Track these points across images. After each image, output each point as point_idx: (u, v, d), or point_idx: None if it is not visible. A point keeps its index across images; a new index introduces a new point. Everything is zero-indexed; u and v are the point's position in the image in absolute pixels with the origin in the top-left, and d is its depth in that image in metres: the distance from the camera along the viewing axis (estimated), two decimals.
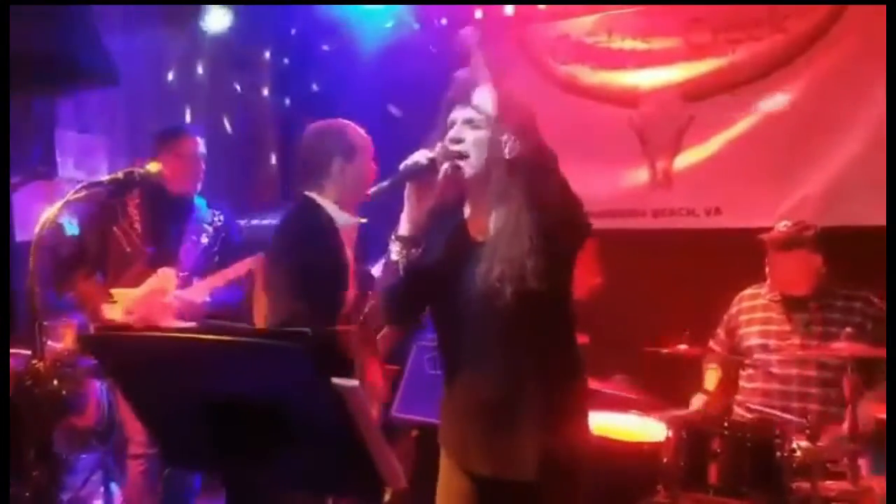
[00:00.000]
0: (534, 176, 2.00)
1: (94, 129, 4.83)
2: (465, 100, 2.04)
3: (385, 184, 2.04)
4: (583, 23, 4.70)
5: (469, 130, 2.03)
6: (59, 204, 2.37)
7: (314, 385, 1.56)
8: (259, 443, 1.65)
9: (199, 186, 3.61)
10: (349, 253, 2.77)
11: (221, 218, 3.66)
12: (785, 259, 3.33)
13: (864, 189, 3.91)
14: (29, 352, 2.23)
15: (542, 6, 4.76)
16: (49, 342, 2.26)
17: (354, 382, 1.59)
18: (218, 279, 3.22)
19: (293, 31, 5.11)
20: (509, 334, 2.04)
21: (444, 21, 4.82)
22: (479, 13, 4.80)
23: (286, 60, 5.24)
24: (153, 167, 2.49)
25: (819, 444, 2.85)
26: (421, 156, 2.03)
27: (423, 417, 4.16)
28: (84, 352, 2.32)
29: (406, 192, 2.05)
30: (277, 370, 1.58)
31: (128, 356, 1.74)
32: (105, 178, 2.50)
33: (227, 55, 5.14)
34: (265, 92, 5.40)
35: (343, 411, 1.58)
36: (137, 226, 3.39)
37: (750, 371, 3.42)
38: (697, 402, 3.48)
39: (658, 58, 4.48)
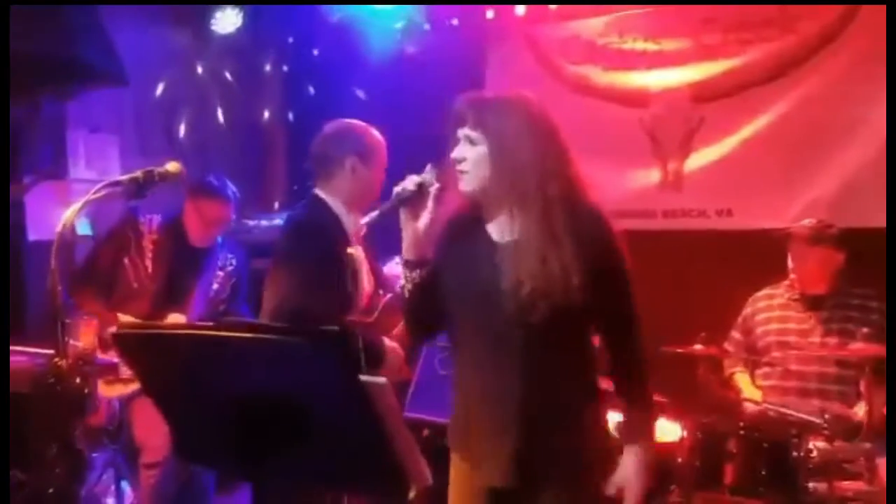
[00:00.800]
0: (551, 181, 2.05)
1: (105, 128, 4.84)
2: (464, 118, 2.10)
3: (375, 213, 2.12)
4: (594, 24, 4.70)
5: (469, 147, 2.08)
6: (78, 205, 2.37)
7: (342, 382, 1.57)
8: (286, 440, 1.66)
9: (219, 240, 3.58)
10: (360, 251, 2.77)
11: (234, 262, 3.61)
12: (810, 253, 3.36)
13: (875, 190, 3.90)
14: (51, 350, 2.24)
15: (552, 6, 4.76)
16: (71, 341, 2.26)
17: (382, 379, 1.59)
18: None
19: (308, 32, 5.11)
20: (530, 339, 2.03)
21: (455, 21, 4.83)
22: (490, 13, 4.80)
23: (300, 60, 5.24)
24: (172, 167, 2.47)
25: (835, 444, 2.85)
26: (409, 182, 2.11)
27: (434, 417, 4.17)
28: (107, 349, 2.32)
29: (401, 219, 2.13)
30: (305, 367, 1.58)
31: (155, 353, 1.75)
32: (124, 177, 2.48)
33: (237, 54, 5.15)
34: (275, 91, 5.40)
35: (370, 408, 1.58)
36: (149, 262, 3.32)
37: (766, 369, 3.42)
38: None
39: (669, 59, 4.49)
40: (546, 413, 2.06)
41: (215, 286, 3.51)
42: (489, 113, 2.09)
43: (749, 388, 3.47)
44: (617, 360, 2.17)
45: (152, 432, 2.83)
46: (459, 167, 2.09)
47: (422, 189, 2.10)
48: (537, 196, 2.04)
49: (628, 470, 2.10)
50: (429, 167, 2.13)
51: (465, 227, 2.16)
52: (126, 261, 3.33)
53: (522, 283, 1.98)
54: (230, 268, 3.57)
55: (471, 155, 2.08)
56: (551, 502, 2.07)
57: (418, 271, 2.14)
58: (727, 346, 3.60)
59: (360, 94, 5.04)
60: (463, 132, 2.09)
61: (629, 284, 2.15)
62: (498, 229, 2.12)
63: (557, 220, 2.02)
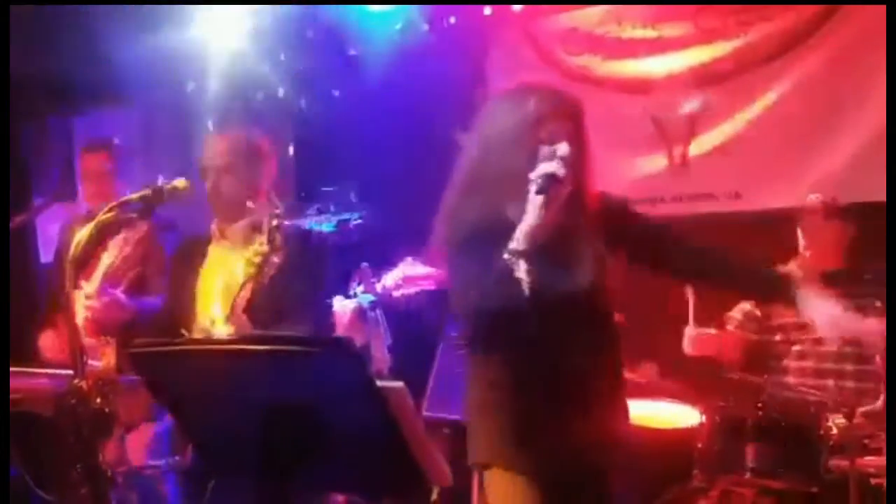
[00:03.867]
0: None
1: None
2: (557, 115, 2.11)
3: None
4: (591, 14, 4.69)
5: (565, 146, 2.06)
6: (91, 225, 2.40)
7: (359, 388, 1.59)
8: (306, 448, 1.68)
9: None
10: None
11: None
12: (824, 229, 3.35)
13: (879, 166, 3.89)
14: (70, 371, 2.27)
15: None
16: (90, 361, 2.30)
17: (399, 384, 1.61)
18: None
19: (307, 35, 5.13)
20: (558, 331, 2.06)
21: (452, 20, 4.84)
22: (487, 10, 4.81)
23: (301, 64, 5.26)
24: (180, 183, 2.50)
25: (855, 420, 2.85)
26: (555, 167, 2.01)
27: (453, 415, 4.18)
28: (125, 370, 2.35)
29: (536, 204, 1.99)
30: (322, 375, 1.60)
31: (172, 370, 1.77)
32: (134, 196, 2.51)
33: (237, 63, 5.17)
34: (279, 97, 5.41)
35: (388, 412, 1.60)
36: None
37: (781, 349, 3.42)
38: None
39: (669, 44, 4.48)
40: (593, 400, 2.11)
41: None
42: (576, 109, 2.16)
43: None
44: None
45: None
46: (563, 168, 2.03)
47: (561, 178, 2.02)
48: (590, 193, 2.14)
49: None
50: (559, 156, 2.06)
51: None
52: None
53: (557, 279, 2.00)
54: None
55: (570, 153, 2.05)
56: (599, 489, 2.13)
57: (535, 265, 1.99)
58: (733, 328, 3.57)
59: (361, 95, 5.05)
60: (559, 128, 2.09)
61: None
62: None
63: (596, 215, 2.12)
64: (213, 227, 2.80)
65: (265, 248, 2.30)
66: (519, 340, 2.09)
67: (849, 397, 2.93)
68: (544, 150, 2.05)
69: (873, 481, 2.82)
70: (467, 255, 2.11)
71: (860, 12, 4.00)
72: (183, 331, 2.54)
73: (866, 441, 2.86)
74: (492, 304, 2.04)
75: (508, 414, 2.14)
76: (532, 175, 2.00)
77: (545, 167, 2.00)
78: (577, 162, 2.07)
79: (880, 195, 3.78)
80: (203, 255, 2.78)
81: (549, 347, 2.08)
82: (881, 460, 2.81)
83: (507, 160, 2.09)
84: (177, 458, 2.68)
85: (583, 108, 2.19)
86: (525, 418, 2.12)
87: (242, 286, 2.34)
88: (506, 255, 1.97)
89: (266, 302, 2.43)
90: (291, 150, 5.41)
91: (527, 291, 1.97)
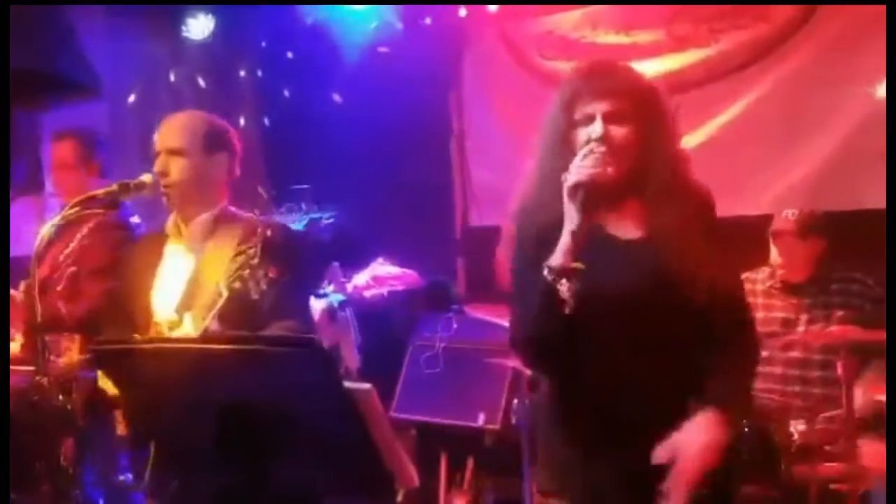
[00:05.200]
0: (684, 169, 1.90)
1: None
2: (600, 91, 1.85)
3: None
4: (567, 18, 4.71)
5: (614, 126, 1.84)
6: (56, 219, 2.37)
7: (328, 388, 1.58)
8: (272, 448, 1.67)
9: None
10: None
11: None
12: (799, 246, 3.37)
13: (849, 174, 3.95)
14: (31, 368, 2.24)
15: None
16: (52, 357, 2.26)
17: (366, 385, 1.61)
18: None
19: (282, 33, 5.10)
20: (664, 344, 1.85)
21: (427, 20, 4.84)
22: (463, 11, 4.81)
23: (275, 62, 5.23)
24: (147, 178, 2.47)
25: (817, 427, 2.89)
26: (584, 174, 1.77)
27: (421, 416, 4.19)
28: (89, 366, 2.32)
29: (572, 214, 1.78)
30: (289, 376, 1.59)
31: (137, 368, 1.75)
32: (100, 191, 2.48)
33: (210, 60, 5.13)
34: (251, 94, 5.38)
35: (356, 413, 1.60)
36: None
37: None
38: None
39: (642, 51, 4.50)
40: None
41: None
42: (637, 85, 1.89)
43: None
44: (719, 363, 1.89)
45: None
46: (604, 148, 1.82)
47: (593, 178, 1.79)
48: (674, 184, 1.87)
49: (694, 433, 1.78)
50: (582, 154, 1.83)
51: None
52: None
53: (665, 283, 1.80)
54: None
55: (619, 133, 1.83)
56: None
57: (576, 280, 1.77)
58: None
59: (336, 95, 5.04)
60: (601, 107, 1.84)
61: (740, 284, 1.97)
62: (621, 223, 1.91)
63: (689, 212, 1.87)
64: (170, 223, 2.50)
65: (255, 261, 2.04)
66: (571, 368, 1.88)
67: (813, 404, 2.96)
68: (581, 133, 1.85)
69: (833, 487, 2.86)
70: (526, 270, 1.87)
71: (832, 22, 4.05)
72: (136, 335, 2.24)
73: (828, 447, 2.90)
74: (532, 328, 1.85)
75: (568, 446, 1.95)
76: (563, 179, 1.79)
77: (575, 170, 1.78)
78: (635, 143, 1.84)
79: (847, 203, 3.85)
80: (159, 254, 2.48)
81: (613, 376, 1.86)
82: (842, 466, 2.85)
83: (549, 156, 1.91)
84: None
85: (644, 84, 1.93)
86: (583, 454, 1.91)
87: (227, 300, 2.07)
88: (545, 272, 1.77)
89: (250, 316, 2.19)
90: (262, 148, 5.38)
91: (567, 312, 1.77)
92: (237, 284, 2.05)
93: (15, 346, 2.78)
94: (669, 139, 1.92)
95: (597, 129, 1.83)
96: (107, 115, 4.84)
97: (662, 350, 1.85)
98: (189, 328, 2.14)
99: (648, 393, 1.85)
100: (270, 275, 2.04)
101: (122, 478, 2.31)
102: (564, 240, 1.78)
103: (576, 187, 1.77)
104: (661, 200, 1.87)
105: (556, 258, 1.78)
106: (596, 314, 1.81)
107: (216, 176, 2.46)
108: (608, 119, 1.84)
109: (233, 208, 2.51)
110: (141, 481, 2.18)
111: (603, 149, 1.81)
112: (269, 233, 2.09)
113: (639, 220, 1.90)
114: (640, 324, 1.84)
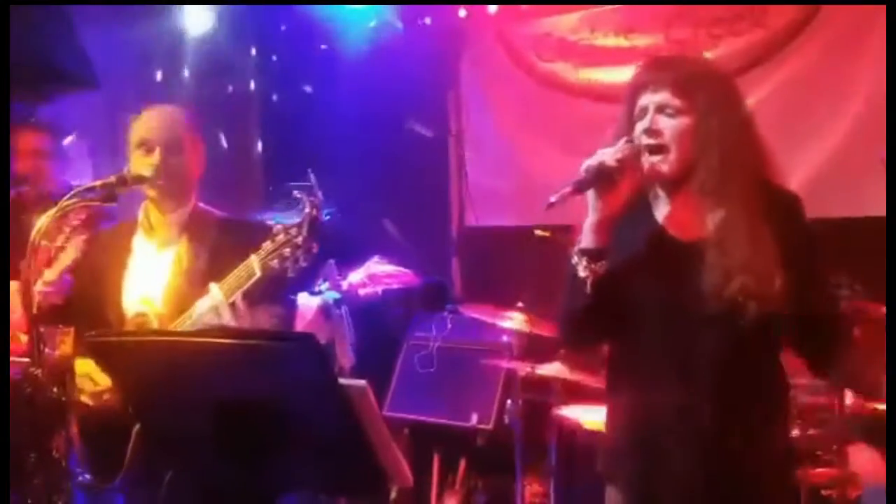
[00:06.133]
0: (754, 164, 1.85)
1: (76, 132, 4.80)
2: (657, 83, 1.82)
3: (567, 189, 1.79)
4: (566, 20, 4.72)
5: (666, 119, 1.81)
6: (52, 210, 2.36)
7: (322, 385, 1.58)
8: (266, 444, 1.67)
9: None
10: None
11: None
12: None
13: (842, 181, 3.97)
14: (26, 359, 2.23)
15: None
16: (46, 349, 2.26)
17: (362, 383, 1.61)
18: None
19: (280, 30, 5.10)
20: (728, 352, 1.81)
21: (427, 20, 4.84)
22: (462, 12, 4.82)
23: (273, 58, 5.23)
24: (146, 171, 2.46)
25: (808, 433, 2.90)
26: (607, 156, 1.79)
27: (414, 415, 4.19)
28: (83, 357, 2.32)
29: (590, 199, 1.81)
30: (285, 372, 1.60)
31: (133, 361, 1.75)
32: (97, 182, 2.47)
33: (209, 55, 5.12)
34: (250, 91, 5.38)
35: (350, 411, 1.60)
36: None
37: None
38: None
39: (640, 54, 4.51)
40: (740, 430, 1.82)
41: None
42: (699, 77, 1.83)
43: None
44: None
45: None
46: (653, 141, 1.80)
47: (621, 166, 1.79)
48: (744, 180, 1.80)
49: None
50: (623, 141, 1.83)
51: (633, 216, 1.88)
52: None
53: (728, 283, 1.75)
54: None
55: (671, 127, 1.80)
56: None
57: (602, 262, 1.81)
58: None
59: (333, 93, 5.04)
60: (655, 99, 1.81)
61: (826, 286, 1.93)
62: (679, 221, 1.87)
63: (759, 210, 1.79)
64: (141, 216, 2.52)
65: (299, 239, 2.06)
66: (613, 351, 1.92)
67: (803, 410, 2.97)
68: (637, 126, 1.83)
69: (824, 492, 2.87)
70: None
71: (831, 27, 4.07)
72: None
73: (818, 452, 2.91)
74: (560, 310, 1.89)
75: (626, 431, 1.94)
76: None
77: (595, 157, 1.78)
78: (692, 137, 1.79)
79: (839, 210, 3.86)
80: (128, 248, 2.50)
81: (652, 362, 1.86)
82: (832, 472, 2.86)
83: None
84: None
85: (713, 75, 1.87)
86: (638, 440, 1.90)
87: (259, 279, 2.10)
88: (573, 255, 1.81)
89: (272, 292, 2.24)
90: (260, 144, 5.38)
91: (589, 292, 1.79)
92: (275, 262, 2.09)
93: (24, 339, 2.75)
94: (738, 133, 1.84)
95: (646, 122, 1.82)
96: (103, 108, 4.83)
97: (721, 361, 1.82)
98: (218, 301, 2.16)
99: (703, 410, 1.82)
100: (314, 251, 2.08)
101: (80, 478, 2.32)
102: (587, 222, 1.82)
103: (586, 171, 1.79)
104: (728, 199, 1.80)
105: (580, 240, 1.83)
106: (659, 304, 1.84)
107: (194, 171, 2.52)
108: (661, 111, 1.81)
109: (202, 204, 2.56)
110: (107, 480, 2.22)
111: (651, 141, 1.80)
112: (314, 212, 2.12)
113: (701, 220, 1.84)
114: (708, 317, 1.80)
